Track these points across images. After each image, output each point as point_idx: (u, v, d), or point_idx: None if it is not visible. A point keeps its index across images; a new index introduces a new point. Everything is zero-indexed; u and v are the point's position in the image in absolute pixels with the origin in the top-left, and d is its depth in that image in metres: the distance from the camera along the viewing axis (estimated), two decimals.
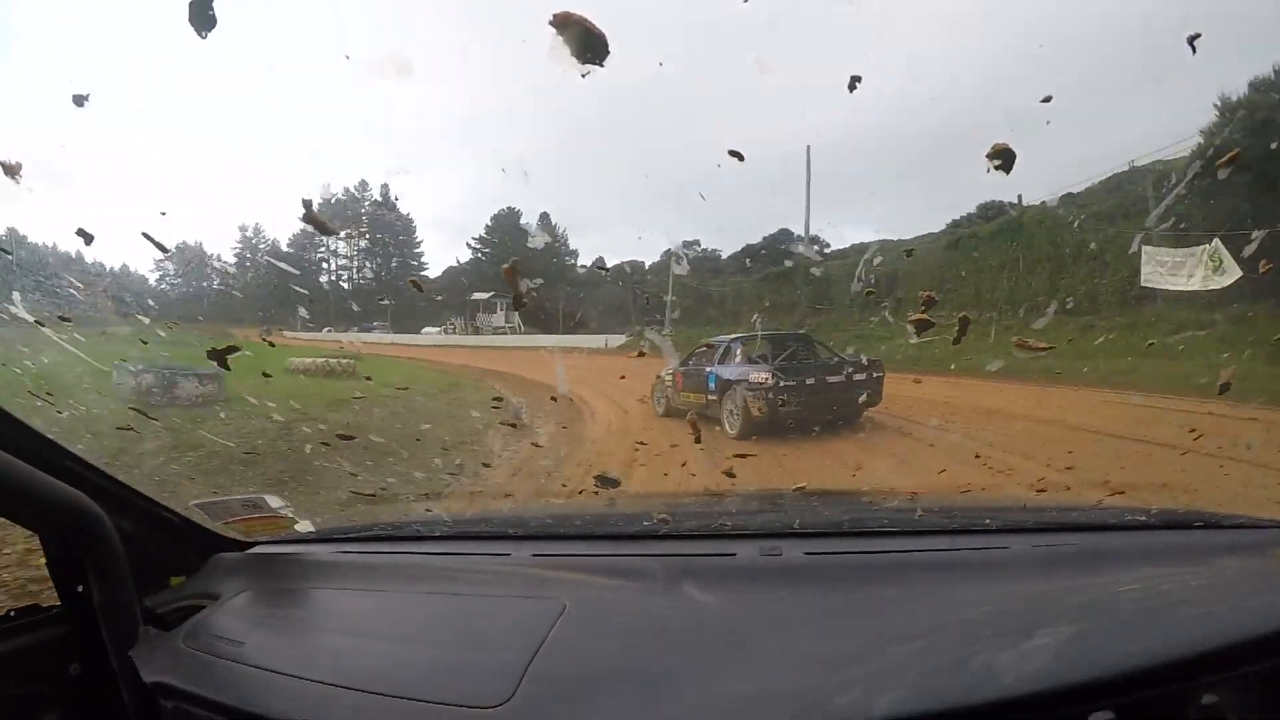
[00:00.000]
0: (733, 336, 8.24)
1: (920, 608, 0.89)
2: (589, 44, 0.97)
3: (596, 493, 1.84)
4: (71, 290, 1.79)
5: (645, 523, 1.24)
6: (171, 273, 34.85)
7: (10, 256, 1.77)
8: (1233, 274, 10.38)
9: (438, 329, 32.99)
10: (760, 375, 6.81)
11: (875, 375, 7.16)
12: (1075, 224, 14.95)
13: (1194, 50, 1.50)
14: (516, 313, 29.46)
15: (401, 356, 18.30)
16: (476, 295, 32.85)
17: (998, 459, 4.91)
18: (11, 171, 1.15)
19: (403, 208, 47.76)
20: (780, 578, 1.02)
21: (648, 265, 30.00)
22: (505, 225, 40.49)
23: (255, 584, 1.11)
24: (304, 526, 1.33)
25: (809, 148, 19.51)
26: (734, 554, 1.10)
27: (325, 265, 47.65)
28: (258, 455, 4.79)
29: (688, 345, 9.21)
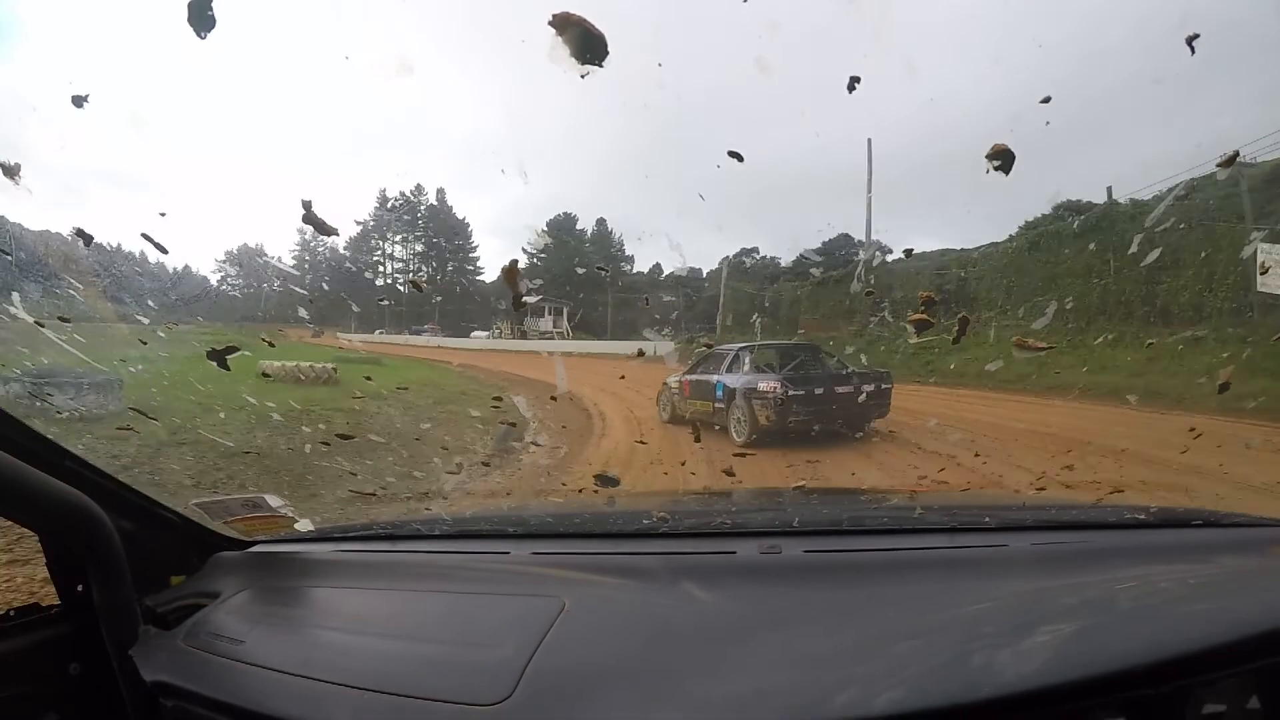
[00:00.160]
0: (740, 345, 8.28)
1: (920, 606, 0.89)
2: (589, 44, 0.97)
3: (596, 491, 1.84)
4: (71, 291, 1.79)
5: (645, 521, 1.24)
6: (233, 275, 35.20)
7: (10, 257, 1.76)
8: None
9: (485, 333, 32.56)
10: (769, 384, 6.87)
11: (883, 386, 7.19)
12: (1179, 224, 11.96)
13: (1193, 51, 1.50)
14: (565, 317, 29.31)
15: (432, 359, 17.92)
16: (524, 299, 32.14)
17: None
18: (11, 172, 1.15)
19: (458, 212, 48.24)
20: (780, 576, 1.02)
21: (705, 273, 30.07)
22: (561, 230, 40.54)
23: (255, 583, 1.11)
24: (303, 525, 1.34)
25: (870, 140, 18.46)
26: (734, 552, 1.10)
27: (381, 268, 48.50)
28: None
29: None
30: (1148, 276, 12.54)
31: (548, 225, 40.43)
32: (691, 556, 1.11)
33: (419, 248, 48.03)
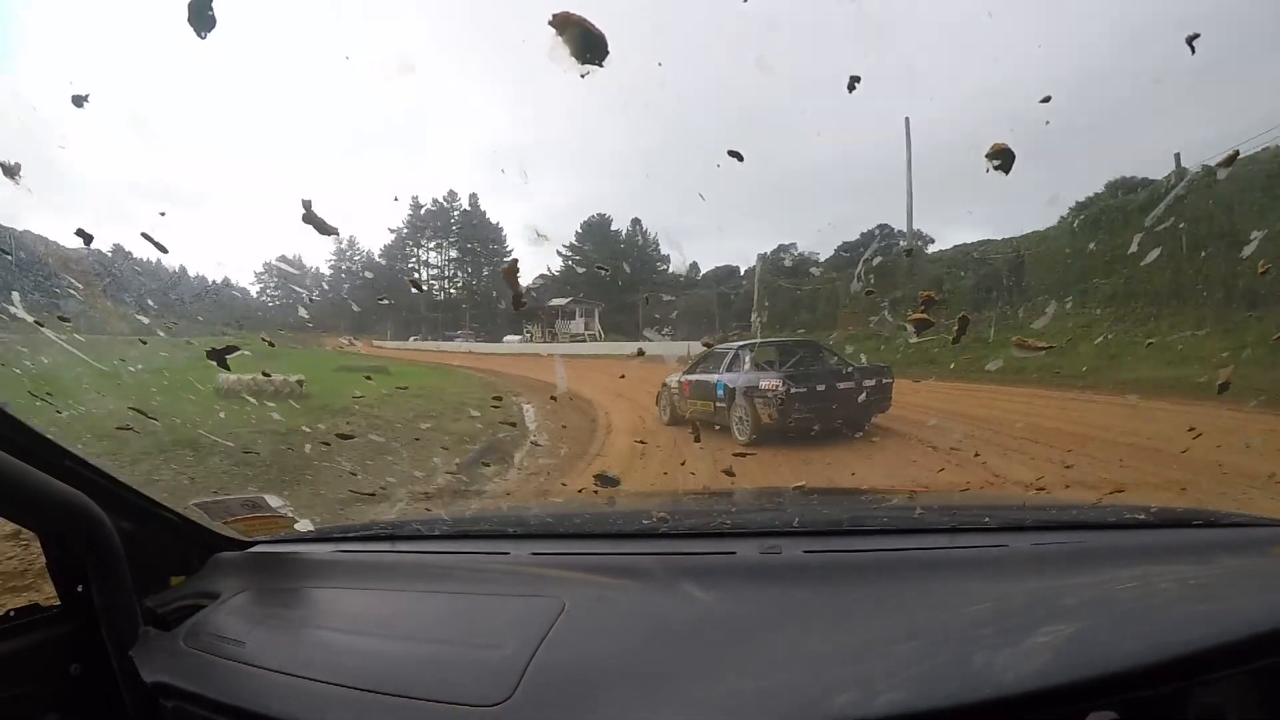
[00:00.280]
0: (741, 344, 8.27)
1: (920, 606, 0.89)
2: (589, 44, 0.97)
3: (596, 491, 1.84)
4: (71, 291, 1.79)
5: (645, 521, 1.24)
6: (273, 286, 35.50)
7: (10, 256, 1.77)
8: None
9: (518, 337, 32.24)
10: (771, 382, 6.86)
11: (884, 381, 7.18)
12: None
13: (1193, 50, 1.49)
14: (597, 319, 29.01)
15: (455, 365, 17.50)
16: (555, 301, 31.44)
17: None
18: (11, 172, 1.15)
19: (493, 216, 48.13)
20: (780, 576, 1.02)
21: (742, 270, 29.85)
22: (596, 231, 40.47)
23: (255, 583, 1.11)
24: (303, 526, 1.34)
25: (907, 120, 17.98)
26: (733, 552, 1.10)
27: (416, 274, 48.60)
28: None
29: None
30: (1225, 253, 10.66)
31: (583, 227, 40.88)
32: (691, 557, 1.10)
33: (454, 253, 48.22)
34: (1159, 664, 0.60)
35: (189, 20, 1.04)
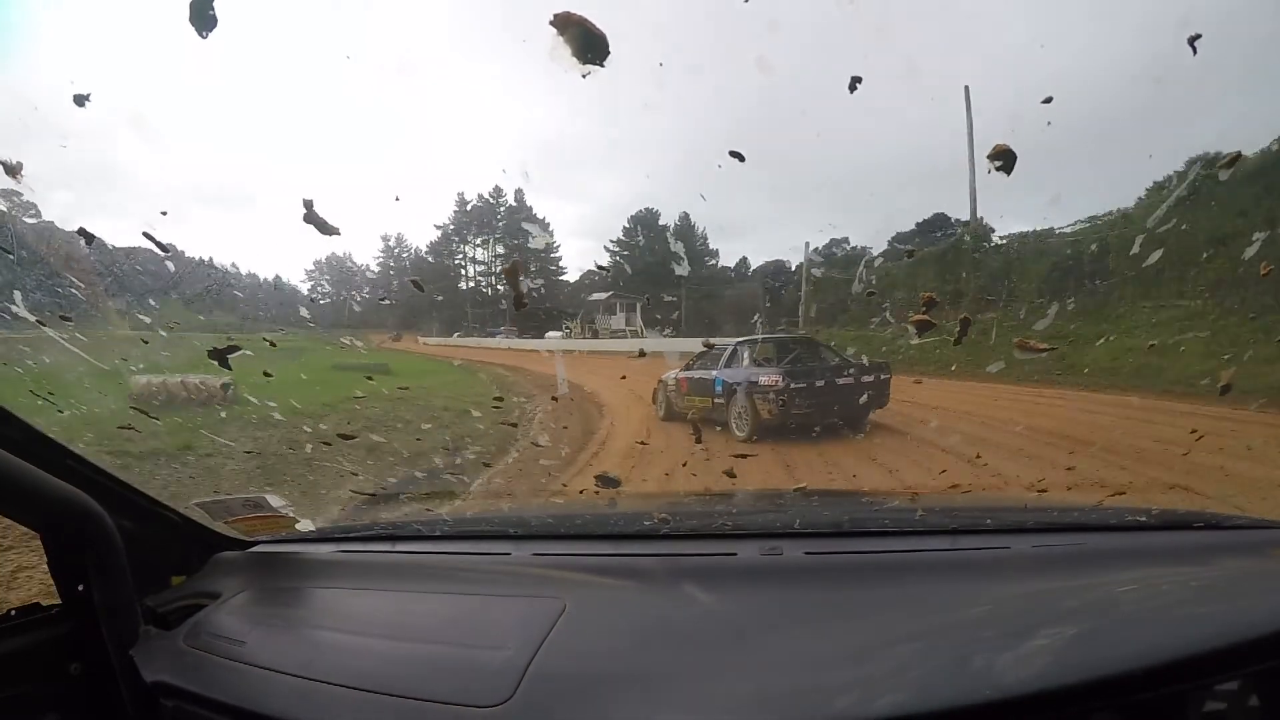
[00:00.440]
0: (738, 340, 8.25)
1: (920, 608, 0.89)
2: (589, 44, 0.97)
3: (597, 492, 1.84)
4: (73, 290, 1.79)
5: (646, 522, 1.24)
6: (326, 286, 35.62)
7: (11, 256, 1.77)
8: None
9: (559, 333, 31.64)
10: (770, 378, 6.84)
11: (882, 377, 7.17)
12: None
13: (1194, 51, 1.49)
14: (639, 314, 28.81)
15: (480, 362, 17.19)
16: (594, 296, 30.63)
17: None
18: (13, 171, 1.15)
19: (538, 212, 47.62)
20: (780, 578, 1.02)
21: (792, 265, 29.37)
22: (644, 226, 40.00)
23: (256, 583, 1.11)
24: (304, 526, 1.34)
25: (967, 88, 16.28)
26: (734, 554, 1.10)
27: (463, 272, 48.95)
28: None
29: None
30: None
31: (630, 222, 40.57)
32: (692, 558, 1.10)
33: (499, 250, 47.99)
34: (1161, 666, 0.60)
35: (189, 20, 1.04)
